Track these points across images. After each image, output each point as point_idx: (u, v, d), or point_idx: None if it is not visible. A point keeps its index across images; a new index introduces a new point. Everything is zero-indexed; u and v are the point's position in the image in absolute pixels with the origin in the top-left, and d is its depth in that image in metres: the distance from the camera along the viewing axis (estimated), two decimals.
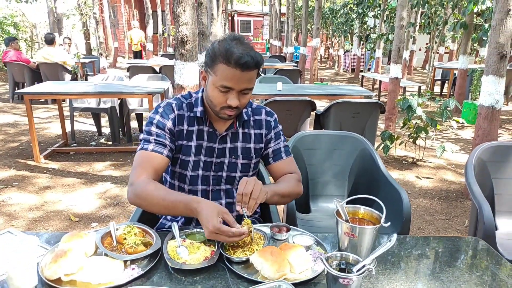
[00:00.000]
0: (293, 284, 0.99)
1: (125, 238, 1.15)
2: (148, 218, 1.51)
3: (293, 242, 1.20)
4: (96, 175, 3.90)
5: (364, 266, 0.94)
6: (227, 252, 1.12)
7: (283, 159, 1.50)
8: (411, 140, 4.46)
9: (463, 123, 4.25)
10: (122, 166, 4.15)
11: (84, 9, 14.51)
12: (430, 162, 4.50)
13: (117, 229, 1.19)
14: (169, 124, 1.36)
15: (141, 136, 1.37)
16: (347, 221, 1.11)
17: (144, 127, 1.38)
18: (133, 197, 1.28)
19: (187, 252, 1.12)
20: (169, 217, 1.52)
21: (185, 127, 1.39)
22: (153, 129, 1.35)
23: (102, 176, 3.85)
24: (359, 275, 0.91)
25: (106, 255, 1.09)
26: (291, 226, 1.29)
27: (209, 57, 1.28)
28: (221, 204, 1.44)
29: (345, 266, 0.98)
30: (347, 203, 1.19)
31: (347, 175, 2.27)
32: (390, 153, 4.72)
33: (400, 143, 4.60)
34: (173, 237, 1.19)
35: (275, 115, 1.54)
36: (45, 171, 3.95)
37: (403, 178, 4.01)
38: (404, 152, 4.85)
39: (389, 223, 1.07)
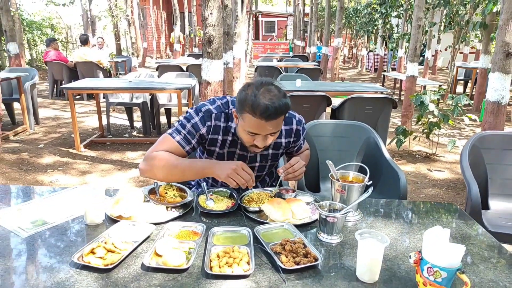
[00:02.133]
0: (294, 225, 1.30)
1: (166, 192, 1.49)
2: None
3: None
4: (129, 162, 4.31)
5: (347, 210, 1.24)
6: (244, 204, 1.44)
7: (302, 148, 1.83)
8: (424, 135, 4.66)
9: (475, 119, 4.41)
10: None
11: (115, 11, 15.20)
12: (443, 157, 4.68)
13: (159, 186, 1.53)
14: (203, 130, 1.51)
15: (176, 124, 1.54)
16: (338, 180, 1.40)
17: (181, 118, 1.54)
18: (144, 163, 1.47)
19: (213, 203, 1.44)
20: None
21: (220, 137, 1.55)
22: (188, 125, 1.51)
23: (134, 164, 4.26)
24: (342, 215, 1.21)
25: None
26: (296, 189, 1.60)
27: (238, 103, 1.39)
28: None
29: (333, 211, 1.28)
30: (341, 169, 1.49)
31: (354, 159, 2.55)
32: (405, 148, 4.93)
33: (414, 138, 4.80)
34: (203, 193, 1.52)
35: (303, 120, 1.73)
36: (85, 158, 4.39)
37: (415, 171, 4.22)
38: (419, 147, 5.04)
39: (371, 182, 1.36)
